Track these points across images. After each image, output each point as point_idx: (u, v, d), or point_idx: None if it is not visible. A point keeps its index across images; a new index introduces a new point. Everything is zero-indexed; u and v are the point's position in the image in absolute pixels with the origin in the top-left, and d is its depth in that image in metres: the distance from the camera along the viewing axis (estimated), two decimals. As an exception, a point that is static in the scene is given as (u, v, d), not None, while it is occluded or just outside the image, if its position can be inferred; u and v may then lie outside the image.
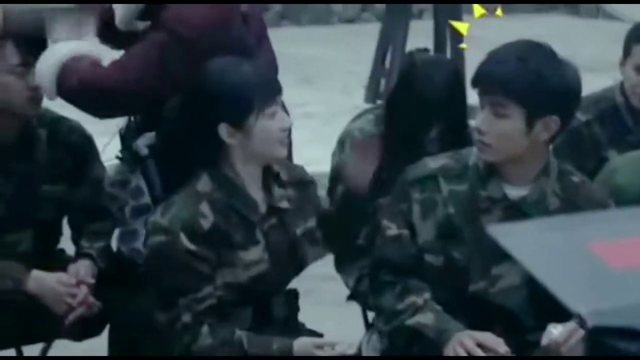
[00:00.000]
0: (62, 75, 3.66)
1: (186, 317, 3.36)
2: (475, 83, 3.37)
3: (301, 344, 3.41)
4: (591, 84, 4.66)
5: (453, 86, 4.21)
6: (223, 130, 3.40)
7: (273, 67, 3.84)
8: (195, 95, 3.47)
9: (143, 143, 3.75)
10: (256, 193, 3.48)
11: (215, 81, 3.45)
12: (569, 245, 1.66)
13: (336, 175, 4.32)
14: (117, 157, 3.90)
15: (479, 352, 3.26)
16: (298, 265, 3.57)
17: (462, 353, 3.26)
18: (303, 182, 3.64)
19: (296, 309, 3.65)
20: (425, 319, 3.37)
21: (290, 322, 3.60)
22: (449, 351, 3.29)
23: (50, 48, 3.69)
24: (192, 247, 3.35)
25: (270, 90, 3.43)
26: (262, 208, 3.48)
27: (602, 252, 1.65)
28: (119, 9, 3.77)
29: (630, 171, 3.73)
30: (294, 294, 3.63)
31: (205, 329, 3.36)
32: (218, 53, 3.54)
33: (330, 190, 4.34)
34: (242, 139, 3.41)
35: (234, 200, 3.43)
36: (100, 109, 3.76)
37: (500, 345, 3.29)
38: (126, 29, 3.78)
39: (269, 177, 3.51)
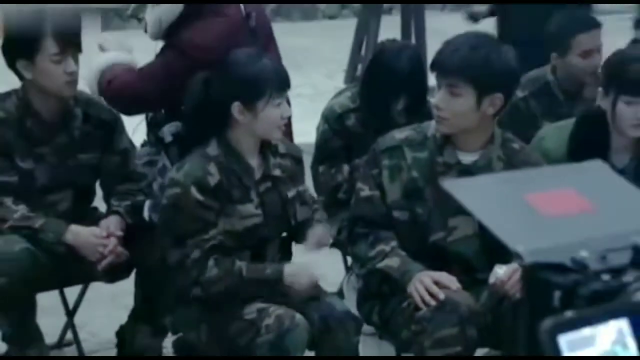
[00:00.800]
0: (100, 80, 3.83)
1: (195, 254, 3.37)
2: (434, 67, 3.37)
3: (290, 268, 3.43)
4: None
5: (415, 66, 4.25)
6: (235, 108, 3.41)
7: None
8: (219, 75, 3.48)
9: (168, 131, 3.78)
10: (254, 161, 3.50)
11: (238, 66, 3.45)
12: (509, 196, 1.66)
13: (320, 144, 4.35)
14: (142, 145, 3.93)
15: (435, 289, 3.28)
16: (288, 221, 3.58)
17: (422, 289, 3.28)
18: (297, 158, 3.64)
19: (289, 253, 3.67)
20: (392, 262, 3.38)
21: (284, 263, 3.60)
22: (410, 288, 3.30)
23: (92, 57, 3.84)
24: (200, 198, 3.37)
25: (281, 84, 3.43)
26: (258, 174, 3.49)
27: (536, 201, 1.66)
28: (149, 26, 3.84)
29: (556, 138, 3.76)
30: (288, 242, 3.65)
31: (211, 262, 3.37)
32: None
33: (316, 156, 4.37)
34: (250, 119, 3.41)
35: (234, 166, 3.45)
36: (123, 108, 3.90)
37: (453, 283, 3.30)
38: (155, 40, 3.88)
39: (267, 149, 3.53)
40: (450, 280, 3.31)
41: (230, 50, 3.54)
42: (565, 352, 1.45)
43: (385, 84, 4.18)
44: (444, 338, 3.20)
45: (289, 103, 3.53)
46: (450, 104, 3.31)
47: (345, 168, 4.29)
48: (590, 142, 3.68)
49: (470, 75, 3.27)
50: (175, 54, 3.72)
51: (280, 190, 3.55)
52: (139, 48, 4.02)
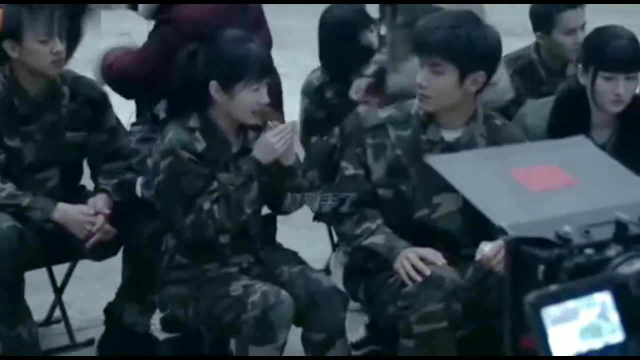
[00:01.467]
0: (101, 66, 3.84)
1: (207, 205, 3.36)
2: (416, 46, 3.37)
3: (256, 148, 3.42)
4: (516, 46, 4.67)
5: (359, 12, 4.31)
6: (213, 86, 3.40)
7: (269, 45, 3.84)
8: (204, 51, 3.45)
9: (161, 108, 3.76)
10: (232, 136, 3.49)
11: (222, 46, 3.44)
12: (494, 172, 1.66)
13: (306, 118, 4.36)
14: (134, 124, 3.89)
15: (421, 265, 3.28)
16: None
17: (408, 265, 3.27)
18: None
19: (273, 230, 3.65)
20: (378, 239, 3.37)
21: (268, 240, 3.61)
22: (397, 264, 3.30)
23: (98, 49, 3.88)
24: (192, 157, 3.38)
25: (261, 71, 3.41)
26: (235, 148, 3.48)
27: (520, 177, 1.66)
28: (141, 6, 3.81)
29: (536, 115, 3.76)
30: (271, 218, 3.63)
31: (215, 206, 3.36)
32: None
33: (305, 131, 4.37)
34: (226, 99, 3.41)
35: (213, 140, 3.44)
36: (125, 91, 3.87)
37: (438, 259, 3.30)
38: (147, 18, 3.84)
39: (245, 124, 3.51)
40: (435, 256, 3.30)
41: (224, 25, 3.52)
42: (549, 325, 1.44)
43: (335, 34, 4.24)
44: (430, 313, 3.20)
45: (278, 89, 3.50)
46: (433, 82, 3.31)
47: (336, 130, 4.29)
48: (571, 118, 3.68)
49: (453, 53, 3.26)
50: (169, 30, 3.68)
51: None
52: (128, 28, 3.99)
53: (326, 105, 4.33)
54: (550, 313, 1.45)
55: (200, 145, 3.41)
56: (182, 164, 3.37)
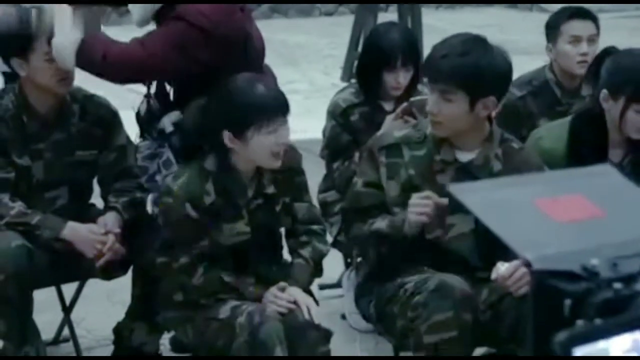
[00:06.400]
0: (84, 48, 3.51)
1: (183, 260, 3.34)
2: (425, 72, 3.31)
3: (269, 293, 3.37)
4: (527, 65, 4.61)
5: (407, 38, 4.22)
6: (226, 136, 3.34)
7: (262, 45, 3.76)
8: (212, 102, 3.40)
9: (168, 121, 3.67)
10: (248, 179, 3.43)
11: (228, 95, 3.36)
12: (517, 201, 1.60)
13: (330, 140, 4.29)
14: (142, 139, 3.78)
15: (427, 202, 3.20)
16: (273, 233, 3.53)
17: (419, 204, 3.22)
18: (294, 169, 3.53)
19: (278, 256, 3.60)
20: (381, 224, 3.31)
21: (273, 259, 3.56)
22: (409, 212, 3.22)
23: (63, 26, 3.52)
24: (193, 214, 3.34)
25: (273, 110, 3.30)
26: (250, 192, 3.43)
27: (545, 207, 1.59)
28: (135, 10, 3.64)
29: (553, 138, 3.67)
30: (274, 247, 3.57)
31: (200, 269, 3.34)
32: (227, 39, 3.47)
33: (329, 154, 4.31)
34: (241, 146, 3.34)
35: (230, 184, 3.39)
36: (124, 78, 3.64)
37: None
38: (142, 27, 3.66)
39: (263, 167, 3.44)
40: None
41: (230, 23, 3.46)
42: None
43: (380, 56, 4.13)
44: (439, 322, 3.15)
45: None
46: (443, 109, 3.26)
47: (356, 156, 4.22)
48: (589, 139, 3.60)
49: (462, 81, 3.21)
50: (182, 25, 3.50)
51: (272, 205, 3.49)
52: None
53: (351, 128, 4.25)
54: (581, 353, 1.37)
55: (209, 198, 3.35)
56: (178, 215, 3.34)
